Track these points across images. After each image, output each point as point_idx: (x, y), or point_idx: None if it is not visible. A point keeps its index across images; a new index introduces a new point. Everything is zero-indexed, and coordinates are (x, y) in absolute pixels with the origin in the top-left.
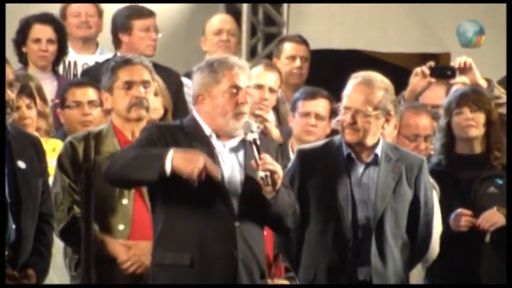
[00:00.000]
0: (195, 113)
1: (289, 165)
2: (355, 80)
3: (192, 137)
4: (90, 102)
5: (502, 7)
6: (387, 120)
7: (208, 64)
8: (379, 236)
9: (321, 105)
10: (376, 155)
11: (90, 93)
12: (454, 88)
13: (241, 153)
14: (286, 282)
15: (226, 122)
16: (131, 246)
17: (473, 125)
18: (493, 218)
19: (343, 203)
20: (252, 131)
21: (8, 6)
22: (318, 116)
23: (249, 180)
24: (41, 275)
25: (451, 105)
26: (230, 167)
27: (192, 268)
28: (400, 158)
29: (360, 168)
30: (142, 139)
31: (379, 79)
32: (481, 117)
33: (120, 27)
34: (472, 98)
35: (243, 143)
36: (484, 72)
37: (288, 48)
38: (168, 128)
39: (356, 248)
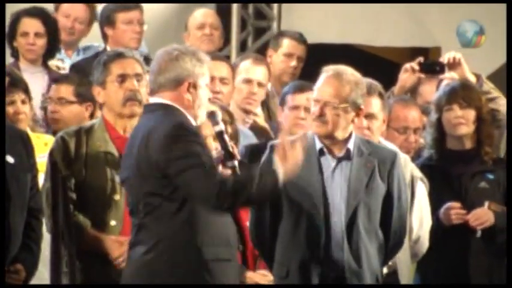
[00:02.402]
0: None
1: (263, 160)
2: (326, 73)
3: None
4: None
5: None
6: (358, 115)
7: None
8: (352, 231)
9: (309, 98)
10: (348, 150)
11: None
12: (444, 83)
13: None
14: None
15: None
16: (123, 242)
17: (463, 122)
18: (482, 217)
19: (315, 198)
20: (217, 123)
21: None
22: (307, 109)
23: None
24: (30, 270)
25: (441, 102)
26: None
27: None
28: (373, 152)
29: (332, 163)
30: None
31: (350, 72)
32: (470, 114)
33: (105, 20)
34: (462, 94)
35: None
36: (484, 72)
37: (287, 44)
38: None
39: (329, 244)
